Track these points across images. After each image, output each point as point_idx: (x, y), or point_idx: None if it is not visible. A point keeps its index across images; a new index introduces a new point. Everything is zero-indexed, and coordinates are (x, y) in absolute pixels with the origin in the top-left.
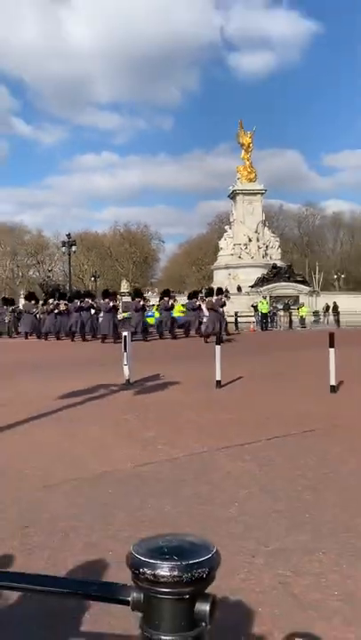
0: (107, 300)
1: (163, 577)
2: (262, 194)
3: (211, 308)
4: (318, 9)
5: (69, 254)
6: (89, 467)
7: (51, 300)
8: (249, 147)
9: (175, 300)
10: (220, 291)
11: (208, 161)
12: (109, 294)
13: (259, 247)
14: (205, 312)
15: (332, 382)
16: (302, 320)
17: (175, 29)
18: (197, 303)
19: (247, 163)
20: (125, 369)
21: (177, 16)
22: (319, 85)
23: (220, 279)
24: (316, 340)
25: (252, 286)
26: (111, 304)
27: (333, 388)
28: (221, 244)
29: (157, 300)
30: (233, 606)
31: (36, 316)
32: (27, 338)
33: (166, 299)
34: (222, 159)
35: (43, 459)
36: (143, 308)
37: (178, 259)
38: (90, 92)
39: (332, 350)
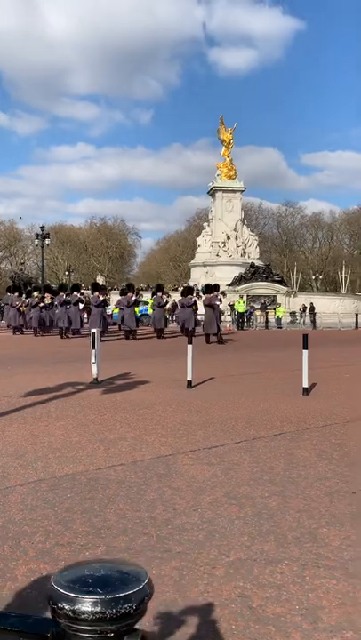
0: (97, 294)
1: (83, 613)
2: (242, 191)
3: (208, 305)
4: (301, 6)
5: (42, 247)
6: (49, 468)
7: (36, 293)
8: (229, 143)
9: (169, 296)
10: (216, 287)
11: (187, 156)
12: (99, 287)
13: (237, 245)
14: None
15: (305, 384)
16: (279, 320)
17: (157, 22)
18: (193, 299)
19: (227, 159)
20: (94, 367)
21: (159, 9)
22: (300, 83)
23: (197, 277)
24: (291, 340)
25: (229, 285)
26: (102, 298)
27: (306, 390)
28: (199, 241)
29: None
30: (189, 620)
31: (19, 309)
32: (14, 333)
33: (160, 294)
34: (201, 154)
35: (1, 459)
36: (136, 303)
37: (155, 255)
38: (67, 82)
39: (305, 352)
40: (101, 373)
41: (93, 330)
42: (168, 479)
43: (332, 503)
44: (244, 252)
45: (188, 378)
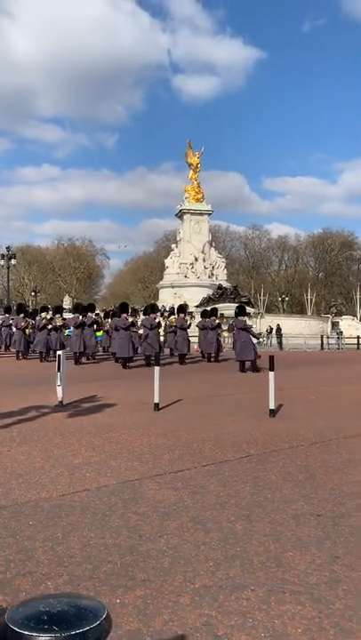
0: (124, 316)
1: None
2: (209, 214)
3: (243, 329)
4: (261, 37)
5: (8, 267)
6: (11, 495)
7: (43, 314)
8: (197, 167)
9: (193, 318)
10: (243, 308)
11: (152, 179)
12: (127, 309)
13: (205, 267)
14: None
15: (272, 406)
16: None
17: (122, 48)
18: (217, 321)
19: (195, 183)
20: (59, 390)
21: (124, 35)
22: (261, 110)
23: (165, 297)
24: (258, 361)
25: (197, 306)
26: (130, 320)
27: (272, 412)
28: (168, 262)
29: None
30: None
31: (24, 331)
32: (18, 358)
33: (182, 315)
34: (166, 177)
35: None
36: (159, 325)
37: (123, 276)
38: (33, 104)
39: (271, 374)
40: (68, 396)
41: (59, 352)
42: (133, 505)
43: (298, 527)
44: (212, 274)
45: (156, 400)
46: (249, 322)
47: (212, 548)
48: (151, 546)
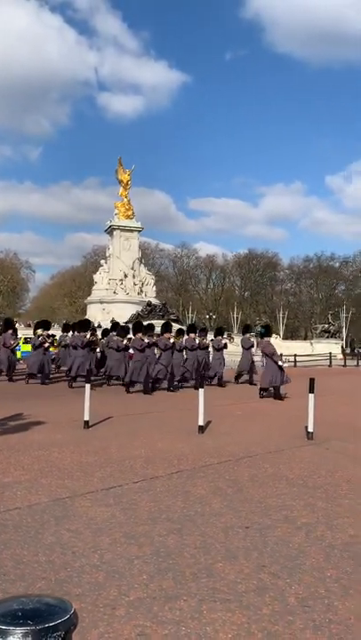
0: (139, 336)
1: None
2: (139, 231)
3: (270, 355)
4: (185, 62)
5: None
6: None
7: (39, 331)
8: (127, 184)
9: (205, 338)
10: (269, 328)
11: (76, 193)
12: (142, 328)
13: (134, 284)
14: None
15: (200, 422)
16: None
17: (48, 63)
18: (223, 342)
19: (125, 199)
20: None
21: (50, 50)
22: (185, 132)
23: (93, 313)
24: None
25: (126, 322)
26: (146, 341)
27: (201, 429)
28: (97, 277)
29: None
30: None
31: (12, 350)
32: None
33: (192, 335)
34: (91, 192)
35: None
36: (173, 346)
37: (49, 290)
38: None
39: (201, 391)
40: None
41: None
42: (66, 522)
43: (227, 538)
44: (142, 291)
45: (86, 418)
46: (273, 342)
47: (145, 561)
48: (85, 561)
